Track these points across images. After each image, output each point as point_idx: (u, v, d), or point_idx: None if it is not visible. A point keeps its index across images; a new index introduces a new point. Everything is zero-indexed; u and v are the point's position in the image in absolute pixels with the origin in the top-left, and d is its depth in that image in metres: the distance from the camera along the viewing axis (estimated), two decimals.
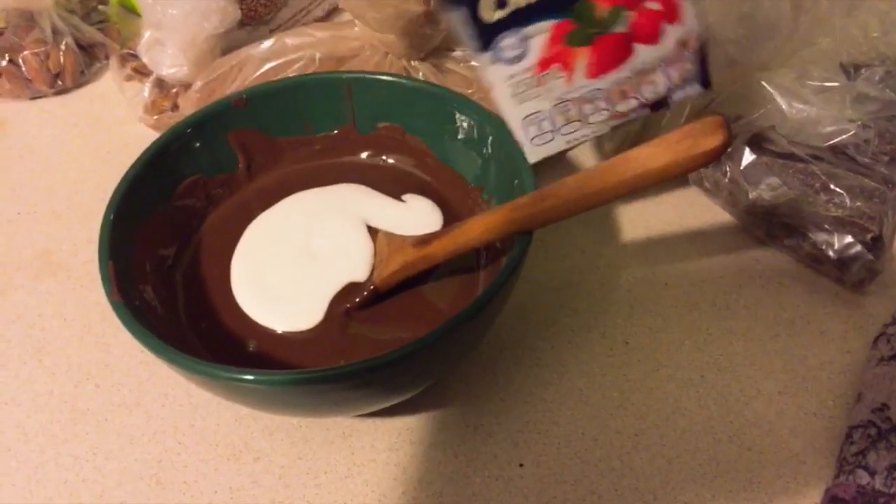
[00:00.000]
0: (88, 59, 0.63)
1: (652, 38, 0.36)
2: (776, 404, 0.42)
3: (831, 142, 0.47)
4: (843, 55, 0.51)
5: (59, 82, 0.62)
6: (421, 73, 0.50)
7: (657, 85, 0.37)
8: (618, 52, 0.36)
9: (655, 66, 0.36)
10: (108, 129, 0.59)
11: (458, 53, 0.52)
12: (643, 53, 0.36)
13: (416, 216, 0.44)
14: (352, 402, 0.36)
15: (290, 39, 0.50)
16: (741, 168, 0.46)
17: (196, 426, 0.41)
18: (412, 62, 0.50)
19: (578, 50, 0.36)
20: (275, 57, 0.50)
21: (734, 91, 0.48)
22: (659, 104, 0.38)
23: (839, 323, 0.45)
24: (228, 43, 0.56)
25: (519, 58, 0.36)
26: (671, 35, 0.36)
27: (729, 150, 0.41)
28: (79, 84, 0.63)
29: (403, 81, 0.43)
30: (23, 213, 0.53)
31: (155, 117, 0.54)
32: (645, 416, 0.41)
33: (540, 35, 0.36)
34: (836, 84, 0.49)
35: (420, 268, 0.39)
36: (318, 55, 0.49)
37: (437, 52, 0.51)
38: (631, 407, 0.42)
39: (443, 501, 0.38)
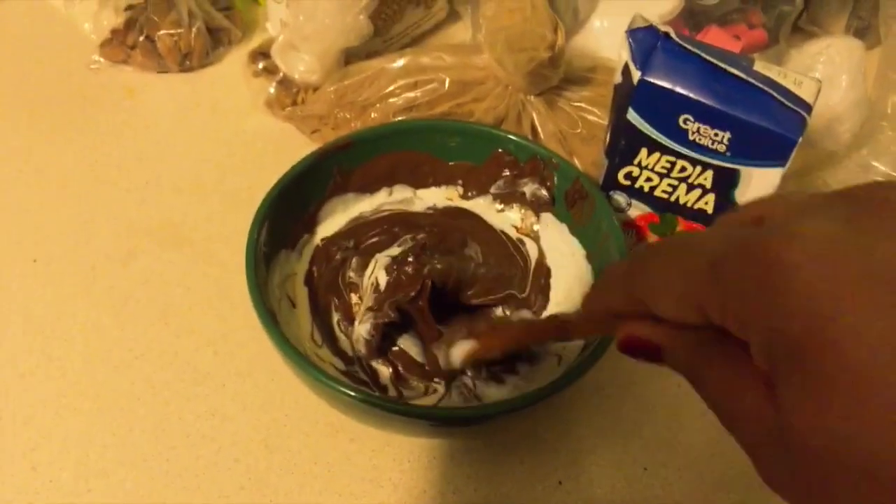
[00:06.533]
0: (213, 43, 0.69)
1: None
2: None
3: None
4: None
5: (187, 62, 0.67)
6: (535, 108, 0.56)
7: None
8: None
9: None
10: (228, 113, 0.64)
11: (569, 94, 0.58)
12: None
13: None
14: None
15: (424, 60, 0.56)
16: None
17: (300, 402, 0.47)
18: (529, 97, 0.56)
19: (651, 235, 0.52)
20: (408, 75, 0.56)
21: (800, 186, 0.53)
22: None
23: None
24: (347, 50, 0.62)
25: (623, 210, 0.51)
26: None
27: None
28: (203, 65, 0.68)
29: None
30: (150, 182, 0.59)
31: (287, 110, 0.60)
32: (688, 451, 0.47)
33: (639, 209, 0.50)
34: None
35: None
36: (447, 79, 0.55)
37: (552, 89, 0.57)
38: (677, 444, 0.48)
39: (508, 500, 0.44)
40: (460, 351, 0.41)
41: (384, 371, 0.45)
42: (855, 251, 0.20)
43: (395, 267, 0.46)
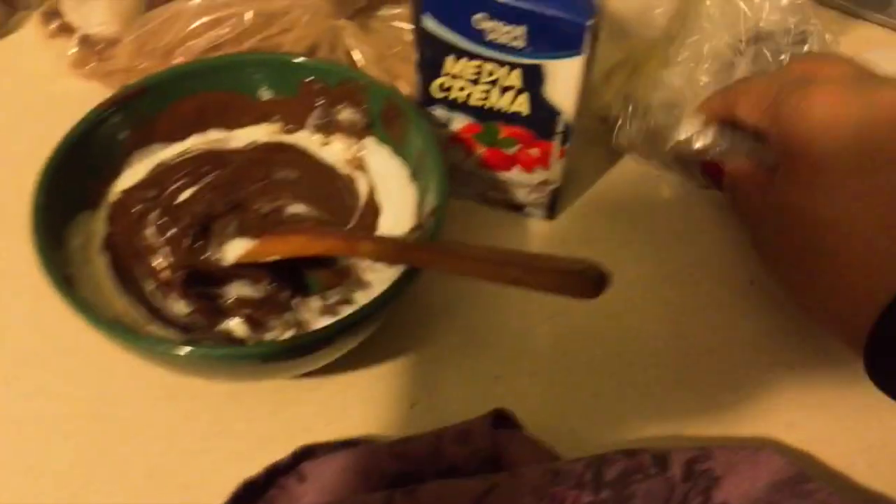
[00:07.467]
0: (8, 10, 0.64)
1: (527, 168, 0.50)
2: None
3: None
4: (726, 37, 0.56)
5: None
6: (348, 32, 0.54)
7: (518, 197, 0.52)
8: (502, 163, 0.50)
9: (523, 186, 0.51)
10: (36, 83, 0.60)
11: (382, 13, 0.56)
12: (517, 173, 0.50)
13: None
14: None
15: None
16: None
17: (133, 371, 0.44)
18: (340, 22, 0.54)
19: (479, 146, 0.50)
20: (208, 12, 0.52)
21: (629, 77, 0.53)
22: (515, 208, 0.53)
23: None
24: None
25: (445, 124, 0.49)
26: (539, 174, 0.50)
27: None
28: (1, 34, 0.64)
29: None
30: None
31: (89, 66, 0.56)
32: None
33: (460, 121, 0.49)
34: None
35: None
36: (251, 12, 0.52)
37: (363, 11, 0.55)
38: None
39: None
40: (235, 249, 0.40)
41: (237, 328, 0.43)
42: (854, 98, 0.37)
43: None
